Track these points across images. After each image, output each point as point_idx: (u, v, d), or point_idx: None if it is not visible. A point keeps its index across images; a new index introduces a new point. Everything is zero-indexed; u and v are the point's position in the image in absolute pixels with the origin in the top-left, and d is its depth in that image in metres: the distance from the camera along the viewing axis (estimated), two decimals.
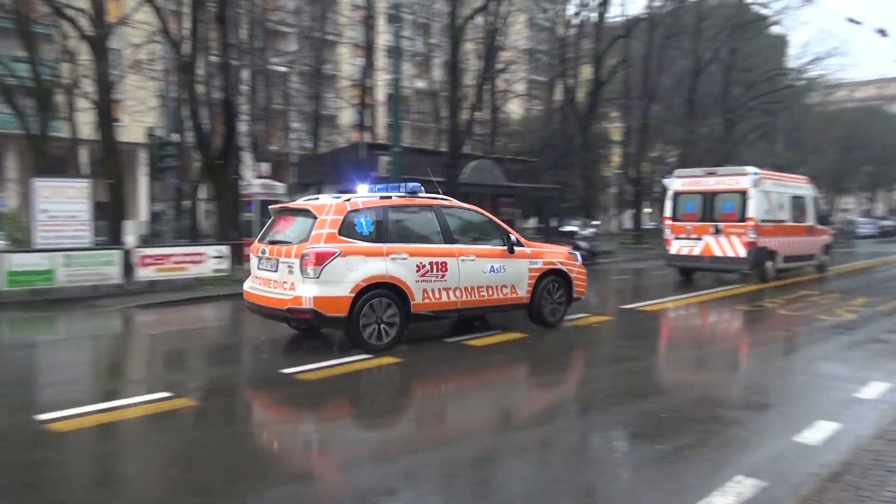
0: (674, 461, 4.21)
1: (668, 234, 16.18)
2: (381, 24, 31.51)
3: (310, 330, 8.14)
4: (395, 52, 17.85)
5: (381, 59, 34.08)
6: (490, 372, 6.48)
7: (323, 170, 23.25)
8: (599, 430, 4.80)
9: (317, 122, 27.35)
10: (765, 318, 9.95)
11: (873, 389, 5.78)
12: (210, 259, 13.53)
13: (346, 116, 36.26)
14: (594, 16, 27.46)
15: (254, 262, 8.17)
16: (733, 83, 32.94)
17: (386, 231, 7.82)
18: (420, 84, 42.91)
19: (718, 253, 15.88)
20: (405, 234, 7.94)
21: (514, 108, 41.03)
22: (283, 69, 29.20)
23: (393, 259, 7.74)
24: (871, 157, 47.65)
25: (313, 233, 7.45)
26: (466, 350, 7.45)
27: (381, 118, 35.35)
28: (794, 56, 38.85)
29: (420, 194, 8.37)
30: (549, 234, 29.38)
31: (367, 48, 27.06)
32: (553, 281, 9.12)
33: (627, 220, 49.52)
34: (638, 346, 7.80)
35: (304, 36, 29.97)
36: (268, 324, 8.49)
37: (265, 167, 21.55)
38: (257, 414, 5.56)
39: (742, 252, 15.36)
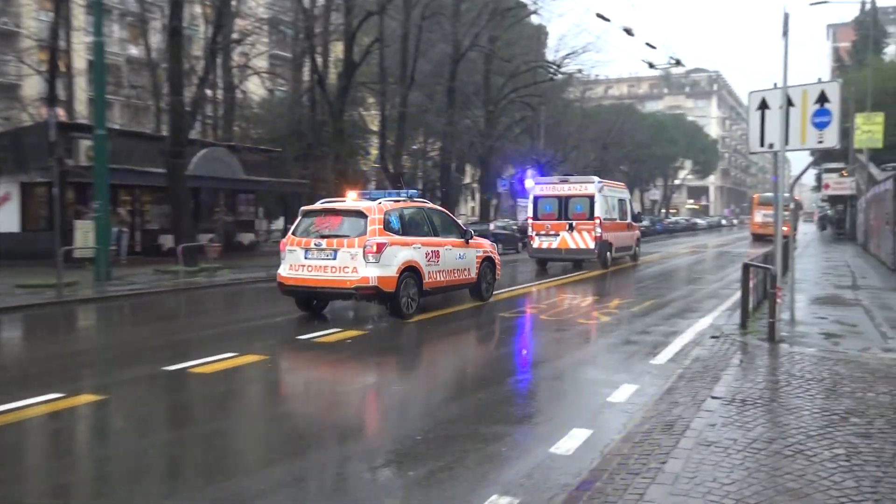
0: (427, 487, 4.38)
1: (530, 231, 22.88)
2: None
3: (319, 309, 12.76)
4: (95, 7, 17.18)
5: (80, 16, 31.07)
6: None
7: None
8: (354, 460, 4.91)
9: None
10: (525, 323, 11.05)
11: (623, 392, 6.61)
12: None
13: (32, 86, 34.82)
14: None
15: (298, 253, 11.92)
16: (494, 73, 35.74)
17: (406, 226, 12.30)
18: (134, 51, 41.99)
19: (573, 246, 22.88)
20: (415, 229, 12.48)
21: (255, 88, 40.44)
22: None
23: (414, 248, 12.24)
24: (625, 156, 55.89)
25: (369, 228, 11.63)
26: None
27: (82, 92, 34.06)
28: (553, 49, 42.26)
29: (416, 199, 12.94)
30: None
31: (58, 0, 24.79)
32: (488, 265, 14.20)
33: None
34: (388, 367, 8.33)
35: None
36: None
37: None
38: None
39: (591, 244, 22.51)
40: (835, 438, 4.95)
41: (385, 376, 7.56)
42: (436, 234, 13.09)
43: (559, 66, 38.04)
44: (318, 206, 12.43)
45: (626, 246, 24.92)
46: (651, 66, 31.23)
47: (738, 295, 10.91)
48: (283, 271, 12.11)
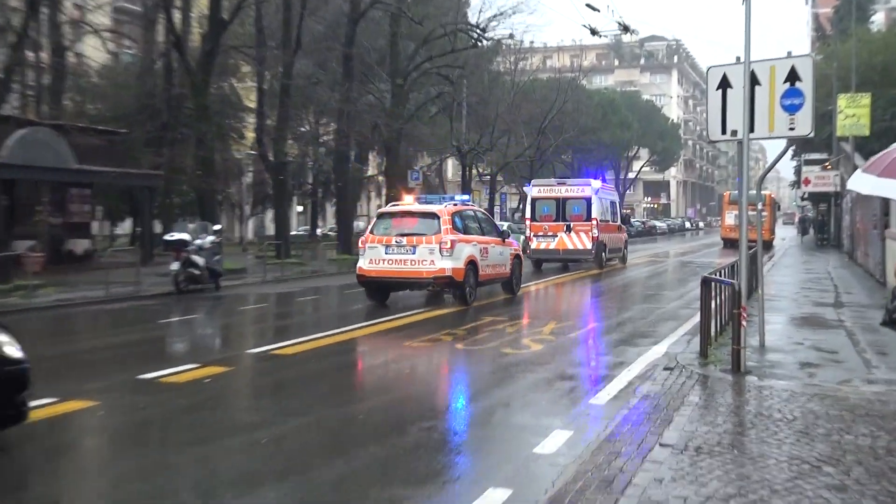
0: None
1: (528, 232, 28.89)
2: None
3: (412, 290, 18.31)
4: None
5: None
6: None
7: None
8: None
9: None
10: (441, 354, 11.36)
11: (554, 441, 6.81)
12: None
13: None
14: None
15: (379, 249, 17.53)
16: (403, 37, 36.03)
17: (466, 226, 17.83)
18: None
19: (570, 246, 29.19)
20: (471, 229, 18.09)
21: (93, 51, 38.76)
22: None
23: (473, 245, 17.67)
24: (568, 143, 56.74)
25: (442, 227, 17.12)
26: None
27: None
28: (476, 8, 43.53)
29: (467, 203, 19.72)
30: (148, 245, 29.73)
31: None
32: (517, 262, 20.08)
33: (269, 223, 51.46)
34: (262, 408, 8.49)
35: None
36: None
37: None
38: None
39: (588, 245, 28.79)
40: (804, 493, 5.18)
41: (252, 429, 7.58)
42: (483, 234, 18.96)
43: (484, 31, 38.33)
44: (392, 208, 18.54)
45: (617, 248, 31.26)
46: (594, 32, 31.87)
47: (698, 316, 11.04)
48: (364, 265, 17.61)
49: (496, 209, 56.49)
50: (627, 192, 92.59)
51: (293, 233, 46.90)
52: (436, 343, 12.09)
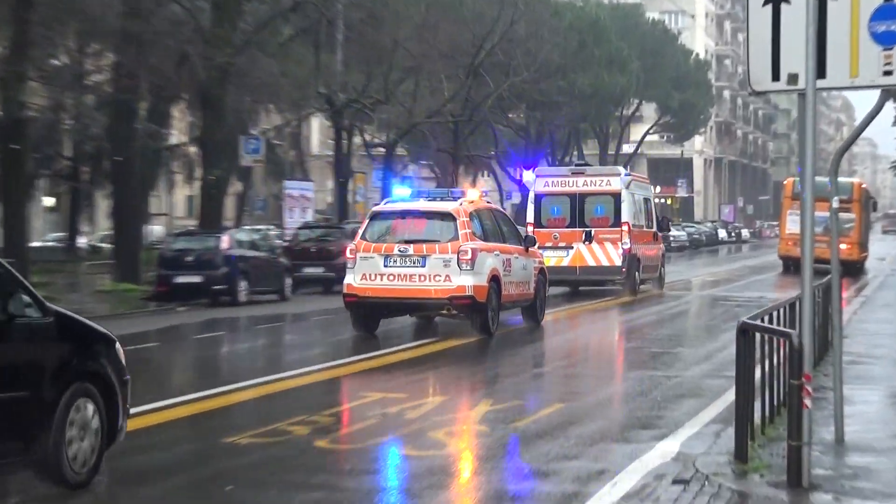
0: None
1: None
2: None
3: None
4: None
5: None
6: None
7: None
8: None
9: None
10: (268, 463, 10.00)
11: None
12: None
13: None
14: None
15: (377, 260, 18.17)
16: None
17: (485, 230, 19.68)
18: None
19: (592, 262, 27.79)
20: (491, 234, 19.86)
21: None
22: None
23: (495, 255, 19.34)
24: (519, 93, 51.04)
25: (460, 232, 18.38)
26: None
27: None
28: None
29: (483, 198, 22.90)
30: None
31: None
32: (542, 279, 21.82)
33: None
34: None
35: None
36: None
37: None
38: None
39: (618, 261, 27.67)
40: None
41: None
42: (504, 241, 20.01)
43: None
44: (393, 206, 19.34)
45: (653, 265, 31.06)
46: None
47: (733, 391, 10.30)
48: (355, 281, 18.14)
49: None
50: None
51: (38, 244, 40.22)
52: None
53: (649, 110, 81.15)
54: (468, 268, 17.80)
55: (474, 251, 18.01)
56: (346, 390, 14.67)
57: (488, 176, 73.74)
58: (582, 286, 29.53)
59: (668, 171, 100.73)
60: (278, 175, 51.23)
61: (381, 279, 17.98)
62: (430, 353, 18.99)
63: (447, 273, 17.79)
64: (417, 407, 12.78)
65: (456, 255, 17.82)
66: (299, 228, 36.96)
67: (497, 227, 20.24)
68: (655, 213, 32.23)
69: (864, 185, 48.70)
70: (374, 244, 18.25)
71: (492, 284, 18.60)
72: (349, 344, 20.30)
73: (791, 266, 42.48)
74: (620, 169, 29.25)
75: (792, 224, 41.94)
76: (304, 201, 44.78)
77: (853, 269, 39.86)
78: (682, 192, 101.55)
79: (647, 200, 31.15)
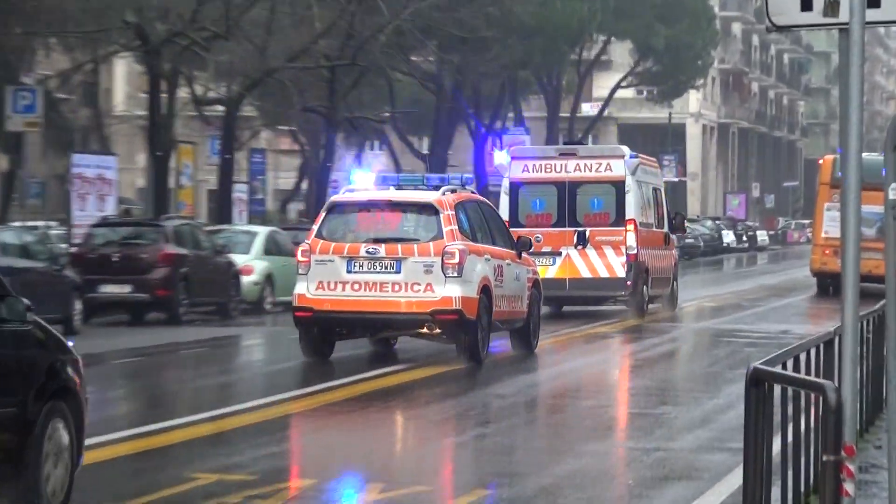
0: None
1: None
2: None
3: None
4: None
5: None
6: None
7: None
8: None
9: None
10: None
11: None
12: None
13: None
14: None
15: (337, 265, 20.44)
16: None
17: (472, 227, 23.05)
18: None
19: (587, 273, 30.32)
20: (479, 233, 23.35)
21: None
22: None
23: (486, 260, 22.58)
24: (430, 27, 51.43)
25: (444, 228, 21.26)
26: None
27: None
28: None
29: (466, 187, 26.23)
30: None
31: None
32: (536, 293, 25.65)
33: None
34: None
35: None
36: None
37: None
38: None
39: (621, 271, 30.28)
40: None
41: None
42: (493, 242, 22.47)
43: None
44: (358, 195, 21.13)
45: (664, 277, 33.61)
46: None
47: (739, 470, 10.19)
48: (309, 291, 19.89)
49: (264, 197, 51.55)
50: (581, 144, 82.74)
51: None
52: None
53: (621, 53, 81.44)
54: (455, 274, 19.80)
55: (462, 253, 19.94)
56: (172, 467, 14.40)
57: (381, 149, 72.61)
58: (570, 305, 31.19)
59: (649, 143, 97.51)
60: (63, 146, 50.48)
61: (344, 288, 19.73)
62: (360, 393, 19.04)
63: (428, 281, 19.91)
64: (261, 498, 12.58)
65: (440, 259, 19.51)
66: (94, 226, 36.21)
67: (485, 223, 22.19)
68: (667, 207, 34.00)
69: None
70: (333, 244, 19.81)
71: (482, 297, 20.90)
72: (191, 398, 20.00)
73: (830, 286, 42.81)
74: (624, 149, 30.29)
75: (830, 224, 42.00)
76: (103, 185, 43.30)
77: None
78: (669, 176, 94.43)
79: (656, 191, 32.83)
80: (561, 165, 29.75)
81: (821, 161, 49.75)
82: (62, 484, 9.49)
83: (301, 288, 19.63)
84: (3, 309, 8.95)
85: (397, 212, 20.12)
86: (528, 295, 23.12)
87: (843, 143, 8.59)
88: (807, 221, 71.27)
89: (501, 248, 22.19)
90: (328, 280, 19.39)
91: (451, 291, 19.32)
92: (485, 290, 20.42)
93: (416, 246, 19.50)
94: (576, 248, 29.23)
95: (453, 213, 20.06)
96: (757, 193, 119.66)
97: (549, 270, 29.16)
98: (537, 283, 23.69)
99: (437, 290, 19.39)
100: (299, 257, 19.96)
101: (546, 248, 28.93)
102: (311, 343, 20.39)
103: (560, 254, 29.29)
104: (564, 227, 29.37)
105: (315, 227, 20.32)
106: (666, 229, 33.38)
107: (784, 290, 49.41)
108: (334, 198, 21.91)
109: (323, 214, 20.61)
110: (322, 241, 19.65)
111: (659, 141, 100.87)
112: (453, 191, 21.47)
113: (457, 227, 20.13)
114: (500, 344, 24.37)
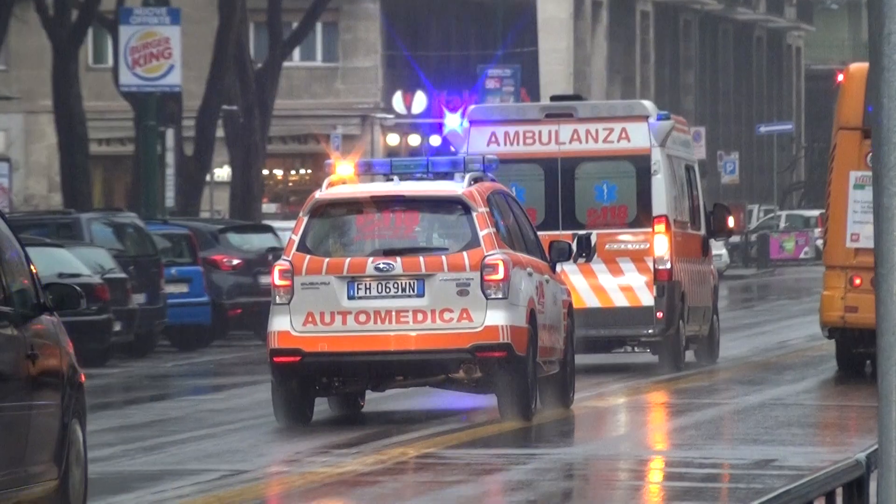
0: None
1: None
2: None
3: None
4: None
5: None
6: None
7: None
8: None
9: None
10: None
11: None
12: None
13: None
14: None
15: (332, 288, 17.23)
16: None
17: (509, 231, 20.66)
18: None
19: (593, 302, 25.06)
20: (513, 234, 20.86)
21: None
22: None
23: (528, 273, 20.16)
24: None
25: (482, 232, 18.68)
26: None
27: None
28: None
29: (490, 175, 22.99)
30: None
31: None
32: (571, 323, 23.14)
33: None
34: None
35: None
36: None
37: None
38: None
39: (646, 297, 24.79)
40: None
41: None
42: (527, 249, 19.96)
43: None
44: (353, 190, 18.09)
45: (702, 307, 27.03)
46: None
47: None
48: (295, 328, 16.98)
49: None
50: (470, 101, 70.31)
51: None
52: None
53: None
54: (499, 295, 16.51)
55: (507, 266, 16.88)
56: None
57: None
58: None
59: (460, 33, 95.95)
60: None
61: (345, 321, 16.11)
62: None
63: (464, 305, 16.36)
64: None
65: (478, 274, 16.45)
66: None
67: (516, 224, 19.02)
68: (702, 197, 27.13)
69: None
70: (327, 260, 16.05)
71: (530, 326, 17.49)
72: None
73: (865, 356, 29.50)
74: (647, 105, 24.59)
75: (863, 217, 27.10)
76: None
77: None
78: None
79: (689, 171, 25.93)
80: (549, 133, 23.17)
81: (841, 76, 30.58)
82: (79, 490, 10.38)
83: (281, 323, 15.89)
84: (62, 297, 10.82)
85: (413, 211, 16.36)
86: (565, 326, 19.97)
87: (873, 23, 5.12)
88: (812, 214, 54.17)
89: (539, 260, 19.04)
90: (322, 310, 15.87)
91: (496, 319, 16.19)
92: (532, 316, 17.37)
93: (444, 258, 16.12)
94: (575, 261, 21.67)
95: (488, 210, 16.93)
96: (703, 152, 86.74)
97: None
98: (571, 309, 20.39)
99: (476, 319, 16.24)
100: (277, 280, 15.89)
101: None
102: (292, 400, 16.43)
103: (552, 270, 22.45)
104: (557, 228, 22.63)
105: (295, 238, 16.24)
106: (703, 231, 25.94)
107: (765, 369, 33.80)
108: (319, 195, 17.12)
109: (304, 219, 16.41)
110: (309, 256, 15.85)
111: (476, 30, 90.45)
112: (476, 179, 17.87)
113: (494, 229, 17.08)
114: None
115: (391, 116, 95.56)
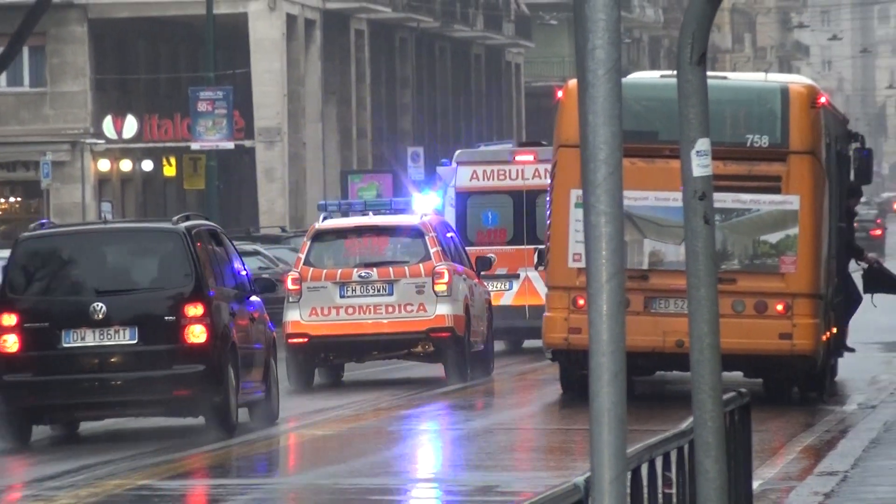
0: None
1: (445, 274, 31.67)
2: None
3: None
4: None
5: None
6: None
7: None
8: None
9: None
10: None
11: None
12: None
13: None
14: None
15: (329, 290, 25.54)
16: None
17: (448, 249, 30.73)
18: None
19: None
20: (450, 252, 30.91)
21: None
22: None
23: (464, 279, 29.85)
24: None
25: (431, 250, 28.41)
26: None
27: None
28: None
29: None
30: None
31: None
32: (490, 317, 32.62)
33: None
34: None
35: None
36: None
37: None
38: None
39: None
40: None
41: None
42: (461, 261, 28.49)
43: None
44: (342, 222, 25.88)
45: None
46: None
47: None
48: (302, 318, 24.49)
49: None
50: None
51: None
52: None
53: None
54: (446, 293, 22.80)
55: (450, 272, 22.98)
56: None
57: None
58: (531, 339, 29.40)
59: (168, 55, 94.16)
60: None
61: (338, 313, 22.36)
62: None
63: (421, 301, 22.72)
64: None
65: (430, 279, 22.66)
66: None
67: (451, 243, 24.56)
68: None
69: (820, 97, 31.46)
70: (325, 270, 22.12)
71: (466, 315, 23.22)
72: None
73: (586, 375, 25.89)
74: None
75: (579, 238, 27.36)
76: None
77: (801, 377, 29.33)
78: (215, 136, 77.47)
79: None
80: (517, 171, 28.87)
81: (560, 93, 30.29)
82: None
83: (294, 315, 22.31)
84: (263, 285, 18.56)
85: (384, 236, 22.83)
86: (487, 317, 25.26)
87: (579, 38, 5.06)
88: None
89: (469, 269, 24.53)
90: (321, 306, 22.14)
91: (443, 310, 22.47)
92: (467, 308, 23.08)
93: (406, 268, 22.46)
94: (536, 268, 26.13)
95: (435, 235, 22.97)
96: (422, 173, 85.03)
97: (504, 297, 29.00)
98: (490, 306, 25.79)
99: (429, 310, 22.59)
100: (290, 285, 22.54)
101: (501, 270, 28.17)
102: (303, 370, 22.31)
103: (517, 276, 28.67)
104: (522, 244, 28.51)
105: (302, 256, 22.88)
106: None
107: (487, 394, 31.87)
108: (318, 226, 23.90)
109: (308, 243, 23.06)
110: (312, 268, 22.21)
111: (186, 52, 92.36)
112: (425, 215, 24.05)
113: (440, 247, 23.13)
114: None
115: (102, 142, 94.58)
